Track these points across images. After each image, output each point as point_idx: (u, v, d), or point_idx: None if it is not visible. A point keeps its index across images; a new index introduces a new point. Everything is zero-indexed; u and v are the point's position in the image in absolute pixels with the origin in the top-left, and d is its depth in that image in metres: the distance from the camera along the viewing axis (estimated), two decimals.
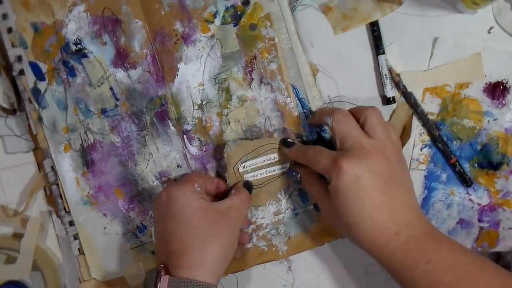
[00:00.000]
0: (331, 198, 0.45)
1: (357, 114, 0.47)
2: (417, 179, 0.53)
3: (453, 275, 0.40)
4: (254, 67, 0.52)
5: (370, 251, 0.44)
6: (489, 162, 0.52)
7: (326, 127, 0.53)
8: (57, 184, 0.57)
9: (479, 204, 0.52)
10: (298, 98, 0.52)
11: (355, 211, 0.43)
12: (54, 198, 0.57)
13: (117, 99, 0.55)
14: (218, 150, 0.53)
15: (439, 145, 0.52)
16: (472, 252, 0.43)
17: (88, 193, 0.57)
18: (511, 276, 0.41)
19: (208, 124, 0.53)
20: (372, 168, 0.43)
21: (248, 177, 0.53)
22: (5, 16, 0.56)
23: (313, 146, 0.48)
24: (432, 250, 0.42)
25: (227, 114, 0.53)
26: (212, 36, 0.52)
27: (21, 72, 0.56)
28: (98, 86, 0.55)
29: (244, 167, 0.53)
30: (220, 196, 0.52)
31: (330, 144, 0.52)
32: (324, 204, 0.47)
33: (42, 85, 0.56)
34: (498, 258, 0.53)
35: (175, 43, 0.53)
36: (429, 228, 0.44)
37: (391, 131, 0.47)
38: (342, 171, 0.43)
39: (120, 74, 0.54)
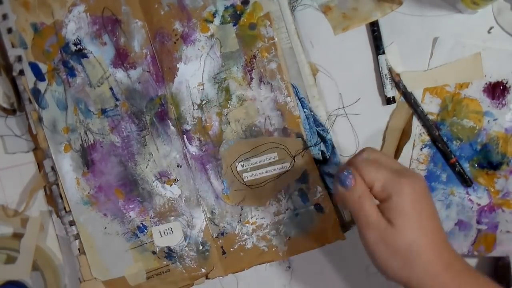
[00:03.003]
0: (390, 220, 0.41)
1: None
2: None
3: None
4: (253, 67, 0.52)
5: (420, 280, 0.41)
6: (489, 162, 0.52)
7: (326, 127, 0.53)
8: (57, 184, 0.57)
9: (479, 204, 0.52)
10: (298, 97, 0.52)
11: (417, 226, 0.40)
12: (54, 198, 0.57)
13: (117, 99, 0.55)
14: (217, 148, 0.53)
15: (439, 145, 0.52)
16: None
17: (89, 193, 0.57)
18: None
19: (208, 124, 0.53)
20: (425, 191, 0.41)
21: (247, 176, 0.53)
22: (5, 17, 0.56)
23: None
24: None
25: (226, 114, 0.53)
26: (212, 35, 0.53)
27: (21, 72, 0.56)
28: (98, 86, 0.55)
29: (242, 166, 0.53)
30: None
31: (330, 146, 0.53)
32: (372, 232, 0.42)
33: (42, 86, 0.56)
34: (498, 258, 0.53)
35: (175, 43, 0.53)
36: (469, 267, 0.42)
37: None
38: (406, 187, 0.40)
39: (120, 74, 0.54)
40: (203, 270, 0.55)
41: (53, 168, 0.57)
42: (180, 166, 0.54)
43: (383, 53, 0.52)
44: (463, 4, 0.50)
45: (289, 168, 0.53)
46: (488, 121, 0.52)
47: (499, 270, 0.53)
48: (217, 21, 0.52)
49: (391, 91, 0.53)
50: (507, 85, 0.51)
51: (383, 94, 0.53)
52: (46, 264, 0.59)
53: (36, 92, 0.56)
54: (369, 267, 0.55)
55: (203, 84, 0.53)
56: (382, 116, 0.54)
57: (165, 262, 0.56)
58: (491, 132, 0.52)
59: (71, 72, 0.55)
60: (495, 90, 0.52)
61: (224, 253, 0.55)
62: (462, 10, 0.51)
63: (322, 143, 0.52)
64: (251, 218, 0.54)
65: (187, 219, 0.55)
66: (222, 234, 0.55)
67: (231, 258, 0.54)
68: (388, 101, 0.53)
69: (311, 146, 0.52)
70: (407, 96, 0.52)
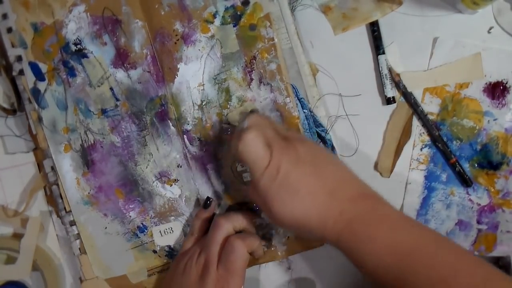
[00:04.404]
0: (269, 205, 0.43)
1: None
2: (417, 179, 0.53)
3: (393, 256, 0.39)
4: (253, 67, 0.52)
5: (325, 239, 0.43)
6: (489, 162, 0.52)
7: (326, 127, 0.53)
8: (57, 184, 0.57)
9: (479, 204, 0.52)
10: (297, 98, 0.52)
11: (296, 206, 0.42)
12: (54, 198, 0.57)
13: (117, 99, 0.55)
14: (217, 148, 0.53)
15: (439, 145, 0.52)
16: (421, 227, 0.42)
17: (89, 193, 0.57)
18: (464, 254, 0.39)
19: (208, 124, 0.53)
20: (295, 158, 0.43)
21: (247, 176, 0.53)
22: (5, 16, 0.56)
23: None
24: (374, 229, 0.41)
25: (226, 115, 0.53)
26: (212, 36, 0.52)
27: (21, 72, 0.56)
28: (98, 86, 0.55)
29: (242, 166, 0.53)
30: None
31: (330, 146, 0.53)
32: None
33: (42, 85, 0.56)
34: (498, 257, 0.53)
35: (175, 43, 0.53)
36: (374, 202, 0.43)
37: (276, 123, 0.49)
38: (260, 186, 0.43)
39: (120, 74, 0.54)
40: None
41: (53, 168, 0.57)
42: (180, 166, 0.54)
43: (383, 53, 0.52)
44: (463, 4, 0.50)
45: None
46: (488, 121, 0.52)
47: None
48: (217, 21, 0.52)
49: (391, 91, 0.53)
50: (507, 85, 0.51)
51: (383, 94, 0.53)
52: (46, 264, 0.59)
53: (36, 92, 0.56)
54: None
55: (203, 84, 0.53)
56: (382, 116, 0.54)
57: (166, 260, 0.57)
58: (491, 132, 0.52)
59: (71, 72, 0.55)
60: (495, 90, 0.52)
61: None
62: (462, 10, 0.51)
63: (321, 143, 0.52)
64: None
65: (187, 219, 0.56)
66: None
67: None
68: (388, 101, 0.53)
69: None
70: (407, 96, 0.52)
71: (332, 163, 0.45)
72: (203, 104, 0.53)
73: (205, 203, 0.53)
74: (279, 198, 0.43)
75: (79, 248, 0.57)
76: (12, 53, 0.56)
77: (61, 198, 0.57)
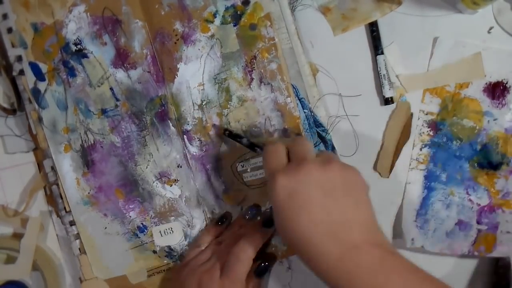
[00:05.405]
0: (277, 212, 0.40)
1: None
2: (417, 179, 0.53)
3: None
4: (254, 67, 0.52)
5: (318, 276, 0.39)
6: (489, 162, 0.52)
7: (326, 127, 0.53)
8: (57, 184, 0.57)
9: (479, 205, 0.52)
10: (298, 98, 0.52)
11: (293, 229, 0.39)
12: (54, 198, 0.57)
13: (117, 99, 0.55)
14: (217, 148, 0.53)
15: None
16: (433, 282, 0.38)
17: (89, 193, 0.57)
18: None
19: (208, 124, 0.53)
20: (309, 180, 0.39)
21: (247, 176, 0.53)
22: (5, 16, 0.56)
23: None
24: (381, 284, 0.36)
25: (227, 115, 0.53)
26: (212, 36, 0.52)
27: (21, 72, 0.56)
28: (98, 86, 0.55)
29: (242, 166, 0.53)
30: None
31: (330, 146, 0.53)
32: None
33: (42, 85, 0.56)
34: (498, 258, 0.53)
35: (175, 43, 0.53)
36: (381, 252, 0.38)
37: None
38: (276, 186, 0.39)
39: (120, 74, 0.54)
40: None
41: (53, 168, 0.57)
42: (181, 167, 0.54)
43: (382, 53, 0.52)
44: (463, 4, 0.50)
45: None
46: (488, 121, 0.52)
47: (499, 270, 0.53)
48: (217, 21, 0.52)
49: (389, 92, 0.53)
50: (507, 85, 0.51)
51: (382, 94, 0.53)
52: (46, 264, 0.59)
53: (36, 92, 0.56)
54: None
55: (203, 84, 0.53)
56: (381, 116, 0.54)
57: (165, 261, 0.57)
58: (491, 132, 0.52)
59: (71, 72, 0.55)
60: (495, 90, 0.52)
61: None
62: (462, 10, 0.51)
63: (322, 143, 0.52)
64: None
65: (187, 219, 0.55)
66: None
67: None
68: (386, 101, 0.53)
69: None
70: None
71: (351, 197, 0.40)
72: (203, 104, 0.53)
73: (221, 220, 0.53)
74: (279, 216, 0.40)
75: (79, 248, 0.57)
76: (12, 53, 0.56)
77: (61, 198, 0.57)
